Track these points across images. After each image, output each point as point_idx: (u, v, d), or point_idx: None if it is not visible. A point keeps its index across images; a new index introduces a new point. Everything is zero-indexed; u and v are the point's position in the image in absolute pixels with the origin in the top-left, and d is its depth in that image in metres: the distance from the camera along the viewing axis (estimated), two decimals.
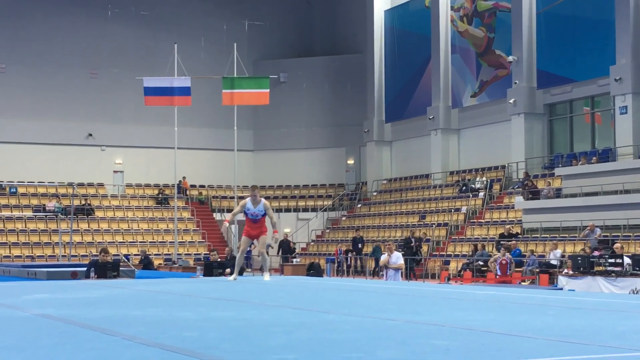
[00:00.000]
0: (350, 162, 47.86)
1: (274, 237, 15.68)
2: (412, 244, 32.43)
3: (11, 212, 39.98)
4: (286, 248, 37.16)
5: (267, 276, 15.27)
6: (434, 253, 34.33)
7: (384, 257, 21.30)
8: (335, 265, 35.23)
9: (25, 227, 39.05)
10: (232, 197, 40.25)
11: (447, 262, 31.84)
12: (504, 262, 25.75)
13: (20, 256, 36.60)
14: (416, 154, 43.21)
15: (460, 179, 39.08)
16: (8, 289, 13.12)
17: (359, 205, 44.24)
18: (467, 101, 39.96)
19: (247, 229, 15.26)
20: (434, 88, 41.17)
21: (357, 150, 47.57)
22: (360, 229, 38.23)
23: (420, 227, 35.87)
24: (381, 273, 23.08)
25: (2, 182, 40.84)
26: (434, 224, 36.13)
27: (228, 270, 19.74)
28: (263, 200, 15.24)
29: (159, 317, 8.22)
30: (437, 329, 7.11)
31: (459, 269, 30.06)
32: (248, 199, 15.19)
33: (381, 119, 45.18)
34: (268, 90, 35.04)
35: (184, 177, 43.85)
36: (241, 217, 15.71)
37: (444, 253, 33.61)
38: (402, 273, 21.96)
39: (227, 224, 15.63)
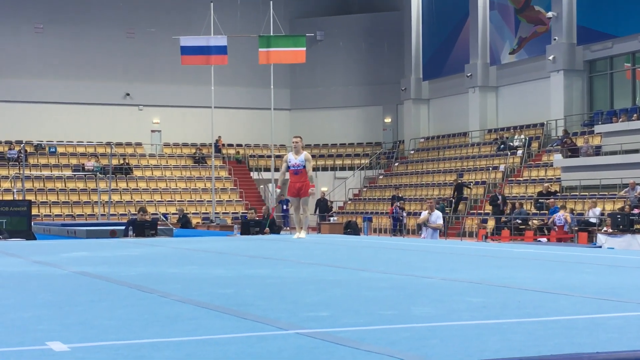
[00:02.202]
0: (388, 120, 47.65)
1: (310, 191, 15.58)
2: (498, 201, 30.78)
3: (51, 171, 40.39)
4: (323, 207, 37.19)
5: (303, 233, 15.29)
6: (471, 211, 34.20)
7: (423, 215, 20.85)
8: (391, 222, 34.81)
9: (65, 186, 39.46)
10: (269, 156, 40.32)
11: (485, 221, 31.69)
12: (566, 219, 25.64)
13: (60, 215, 37.01)
14: (454, 111, 42.92)
15: (498, 136, 38.77)
16: (48, 247, 13.28)
17: (396, 164, 44.11)
18: (506, 58, 39.50)
19: (291, 184, 15.37)
20: (471, 45, 40.75)
21: (394, 109, 47.34)
22: (398, 188, 38.13)
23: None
24: (419, 231, 22.87)
25: (42, 142, 41.23)
26: (472, 182, 35.95)
27: (267, 229, 19.87)
28: (305, 152, 15.34)
29: (195, 274, 8.26)
30: (474, 287, 7.07)
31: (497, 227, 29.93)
32: (290, 152, 15.33)
33: (418, 76, 44.86)
34: (304, 48, 34.88)
35: (219, 136, 43.92)
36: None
37: (482, 211, 33.44)
38: (440, 233, 21.62)
39: (279, 190, 15.86)
